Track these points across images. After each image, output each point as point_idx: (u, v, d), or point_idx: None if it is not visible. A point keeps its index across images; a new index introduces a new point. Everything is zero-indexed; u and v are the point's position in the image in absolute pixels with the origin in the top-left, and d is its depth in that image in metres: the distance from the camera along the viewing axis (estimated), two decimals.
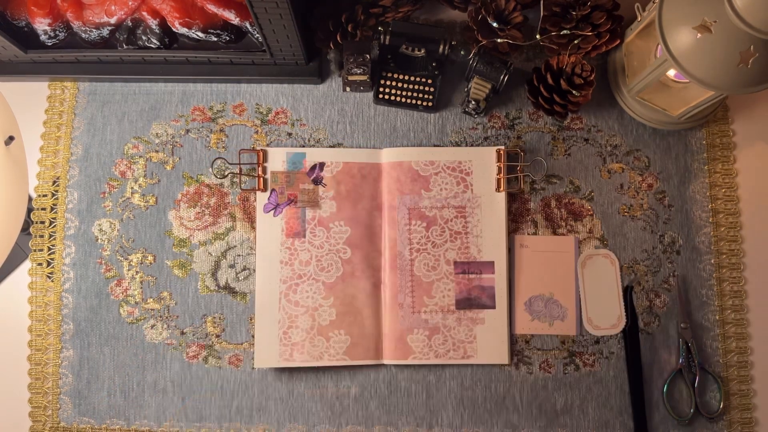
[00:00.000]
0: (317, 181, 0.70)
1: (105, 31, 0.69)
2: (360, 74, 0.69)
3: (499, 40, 0.68)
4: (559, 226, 0.71)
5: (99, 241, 0.71)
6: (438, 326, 0.68)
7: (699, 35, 0.56)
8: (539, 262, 0.68)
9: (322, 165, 0.70)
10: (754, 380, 0.69)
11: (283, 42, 0.66)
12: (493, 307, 0.69)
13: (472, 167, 0.71)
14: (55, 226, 0.71)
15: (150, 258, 0.70)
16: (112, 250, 0.70)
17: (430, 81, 0.71)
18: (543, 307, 0.68)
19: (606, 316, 0.69)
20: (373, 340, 0.68)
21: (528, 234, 0.70)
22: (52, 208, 0.71)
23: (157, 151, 0.72)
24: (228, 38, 0.69)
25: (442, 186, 0.70)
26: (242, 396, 0.68)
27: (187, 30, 0.68)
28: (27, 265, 0.71)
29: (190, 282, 0.70)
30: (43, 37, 0.69)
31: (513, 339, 0.69)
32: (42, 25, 0.67)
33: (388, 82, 0.71)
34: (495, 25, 0.68)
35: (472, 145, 0.72)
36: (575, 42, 0.68)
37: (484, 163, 0.71)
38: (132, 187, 0.71)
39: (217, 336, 0.69)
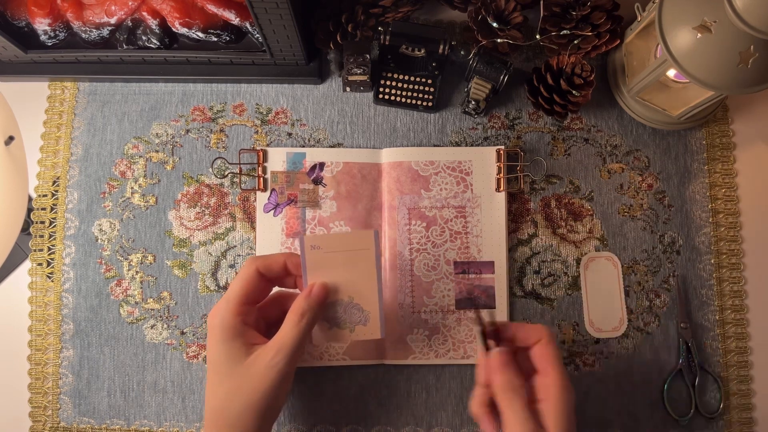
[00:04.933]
0: (317, 181, 0.70)
1: (105, 31, 0.69)
2: (360, 74, 0.69)
3: (499, 41, 0.68)
4: (558, 226, 0.71)
5: (99, 241, 0.71)
6: (438, 326, 0.68)
7: (699, 35, 0.56)
8: (334, 264, 0.58)
9: (322, 165, 0.71)
10: (753, 380, 0.69)
11: (283, 42, 0.66)
12: (494, 307, 0.69)
13: (472, 167, 0.71)
14: (55, 226, 0.71)
15: (150, 258, 0.70)
16: (112, 250, 0.70)
17: (430, 81, 0.71)
18: (342, 313, 0.59)
19: (607, 319, 0.69)
20: (373, 340, 0.68)
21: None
22: (52, 208, 0.71)
23: (157, 151, 0.72)
24: (228, 38, 0.69)
25: (442, 186, 0.70)
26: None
27: (187, 30, 0.68)
28: (27, 265, 0.71)
29: (190, 282, 0.70)
30: (43, 38, 0.69)
31: None
32: (42, 25, 0.67)
33: (388, 82, 0.71)
34: (495, 25, 0.68)
35: (472, 145, 0.72)
36: (575, 42, 0.69)
37: (484, 163, 0.71)
38: (132, 187, 0.71)
39: None
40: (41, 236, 0.71)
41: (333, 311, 0.59)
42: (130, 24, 0.69)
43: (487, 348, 0.56)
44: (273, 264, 0.58)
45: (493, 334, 0.57)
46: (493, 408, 0.54)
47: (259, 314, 0.59)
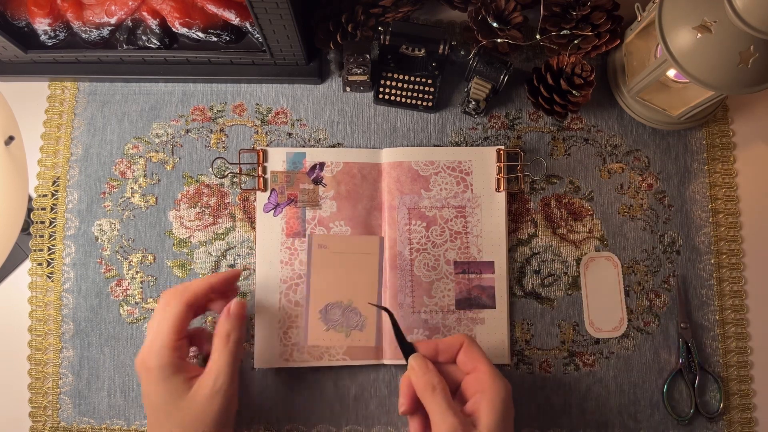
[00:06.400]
0: (317, 181, 0.70)
1: (105, 31, 0.69)
2: (360, 74, 0.69)
3: (499, 40, 0.68)
4: (558, 226, 0.71)
5: (99, 241, 0.71)
6: (438, 326, 0.68)
7: (699, 35, 0.56)
8: (339, 265, 0.60)
9: (322, 165, 0.71)
10: (754, 380, 0.69)
11: (283, 42, 0.66)
12: (493, 307, 0.69)
13: (472, 167, 0.71)
14: (55, 226, 0.71)
15: (150, 258, 0.70)
16: (112, 250, 0.70)
17: (430, 81, 0.71)
18: (340, 315, 0.61)
19: (607, 319, 0.69)
20: (373, 339, 0.68)
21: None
22: (52, 208, 0.71)
23: (157, 151, 0.72)
24: (228, 38, 0.69)
25: (442, 186, 0.70)
26: (242, 396, 0.68)
27: (187, 30, 0.68)
28: (27, 265, 0.71)
29: None
30: (43, 37, 0.69)
31: (513, 339, 0.69)
32: (42, 25, 0.67)
33: (388, 82, 0.71)
34: (495, 25, 0.68)
35: (472, 145, 0.72)
36: (575, 42, 0.69)
37: (484, 163, 0.71)
38: (132, 187, 0.71)
39: None
40: (41, 236, 0.71)
41: (333, 313, 0.60)
42: (130, 24, 0.69)
43: (405, 355, 0.58)
44: (199, 293, 0.59)
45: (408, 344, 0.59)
46: (421, 412, 0.56)
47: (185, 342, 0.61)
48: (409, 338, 0.68)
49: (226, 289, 0.63)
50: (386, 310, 0.60)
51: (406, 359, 0.58)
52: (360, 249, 0.60)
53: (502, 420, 0.53)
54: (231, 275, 0.63)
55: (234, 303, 0.60)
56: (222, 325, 0.59)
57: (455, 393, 0.58)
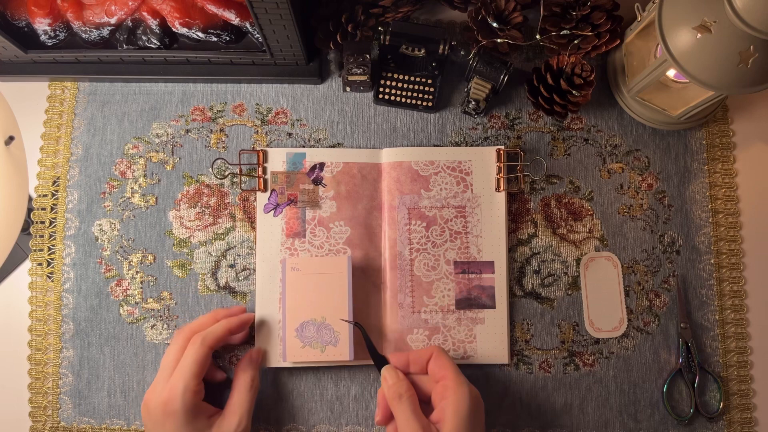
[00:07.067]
0: (317, 182, 0.70)
1: (105, 31, 0.69)
2: (360, 74, 0.69)
3: (499, 41, 0.68)
4: (558, 226, 0.71)
5: (99, 241, 0.71)
6: (438, 326, 0.68)
7: (699, 35, 0.56)
8: (311, 285, 0.65)
9: (322, 165, 0.71)
10: (753, 380, 0.69)
11: (283, 42, 0.66)
12: (493, 307, 0.69)
13: (472, 167, 0.71)
14: (55, 226, 0.71)
15: (150, 258, 0.70)
16: (112, 250, 0.70)
17: (430, 81, 0.71)
18: (315, 332, 0.64)
19: (608, 319, 0.69)
20: (372, 339, 0.68)
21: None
22: (52, 208, 0.71)
23: (157, 151, 0.72)
24: (228, 38, 0.69)
25: (442, 186, 0.70)
26: None
27: (187, 30, 0.68)
28: (27, 265, 0.71)
29: (190, 282, 0.70)
30: (43, 37, 0.69)
31: (513, 339, 0.69)
32: (42, 25, 0.67)
33: (388, 82, 0.71)
34: (495, 25, 0.68)
35: (472, 145, 0.72)
36: (575, 42, 0.69)
37: (484, 163, 0.71)
38: (132, 187, 0.71)
39: None
40: (41, 236, 0.71)
41: (307, 330, 0.64)
42: (130, 24, 0.69)
43: (378, 367, 0.61)
44: (221, 335, 0.62)
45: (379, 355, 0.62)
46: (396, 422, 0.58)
47: None
48: (408, 338, 0.68)
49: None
50: (357, 324, 0.63)
51: (380, 371, 0.60)
52: (329, 269, 0.65)
53: (468, 426, 0.55)
54: (248, 320, 0.66)
55: (255, 351, 0.65)
56: (245, 371, 0.63)
57: (428, 403, 0.60)
